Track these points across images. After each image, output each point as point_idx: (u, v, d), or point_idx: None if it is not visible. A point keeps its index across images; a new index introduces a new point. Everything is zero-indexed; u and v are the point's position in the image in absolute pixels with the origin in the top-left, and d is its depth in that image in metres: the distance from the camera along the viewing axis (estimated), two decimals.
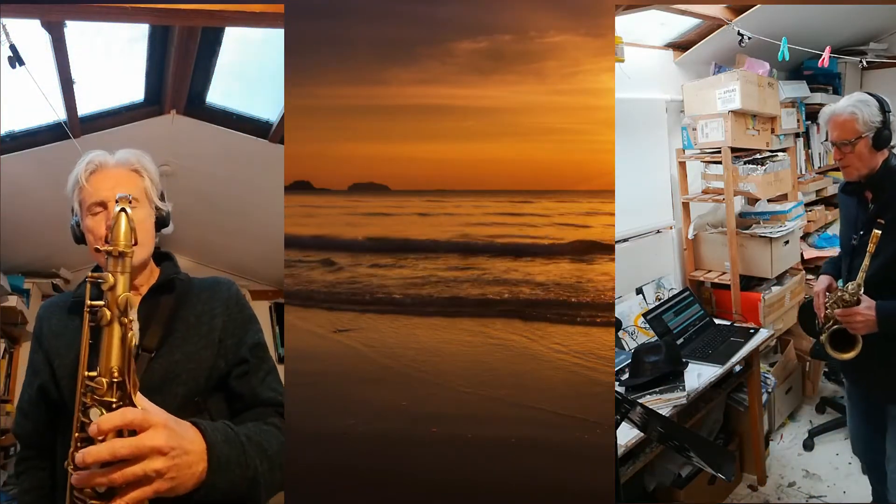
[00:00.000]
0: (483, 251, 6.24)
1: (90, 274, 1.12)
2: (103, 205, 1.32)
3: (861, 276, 1.88)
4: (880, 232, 1.82)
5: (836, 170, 3.33)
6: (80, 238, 1.39)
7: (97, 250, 1.11)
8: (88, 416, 1.02)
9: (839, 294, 1.94)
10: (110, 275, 1.04)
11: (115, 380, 1.02)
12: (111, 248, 1.05)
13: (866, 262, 1.86)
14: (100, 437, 0.96)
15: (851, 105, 1.93)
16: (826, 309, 1.99)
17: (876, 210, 1.95)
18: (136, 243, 1.10)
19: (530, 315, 3.59)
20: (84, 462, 0.95)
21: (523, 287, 4.37)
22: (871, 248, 1.84)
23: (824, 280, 2.10)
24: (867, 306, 1.88)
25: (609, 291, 3.90)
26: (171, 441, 0.99)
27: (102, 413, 1.00)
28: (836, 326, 1.96)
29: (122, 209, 1.07)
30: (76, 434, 1.04)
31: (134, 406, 1.01)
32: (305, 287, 4.39)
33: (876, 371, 1.99)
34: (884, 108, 1.92)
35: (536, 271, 5.06)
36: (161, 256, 1.47)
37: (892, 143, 1.95)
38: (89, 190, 1.33)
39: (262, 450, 1.17)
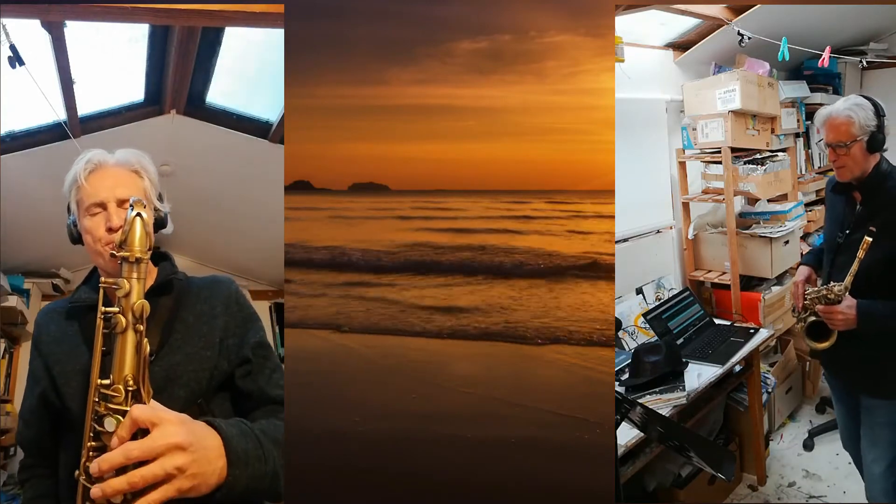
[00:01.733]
0: (480, 271, 5.81)
1: (103, 280, 1.10)
2: (102, 206, 1.29)
3: (849, 279, 1.94)
4: (871, 239, 1.87)
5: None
6: (76, 238, 1.36)
7: (112, 255, 1.08)
8: (103, 424, 0.99)
9: (824, 293, 1.99)
10: (125, 281, 1.02)
11: (130, 388, 1.00)
12: (127, 253, 1.03)
13: (855, 266, 1.91)
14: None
15: (848, 108, 1.96)
16: (805, 300, 2.06)
17: (864, 212, 2.00)
18: (150, 248, 1.08)
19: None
20: (100, 472, 0.91)
21: (507, 327, 3.66)
22: (860, 254, 1.89)
23: (804, 270, 2.19)
24: (848, 305, 1.95)
25: (608, 330, 3.34)
26: (188, 436, 0.95)
27: (119, 422, 0.97)
28: (813, 318, 2.04)
29: (138, 214, 1.05)
30: (89, 444, 1.02)
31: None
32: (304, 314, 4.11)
33: (853, 362, 2.07)
34: (878, 112, 1.97)
35: (525, 304, 4.38)
36: (158, 256, 1.45)
37: (884, 147, 1.99)
38: (88, 190, 1.29)
39: (278, 444, 1.15)
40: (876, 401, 2.05)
